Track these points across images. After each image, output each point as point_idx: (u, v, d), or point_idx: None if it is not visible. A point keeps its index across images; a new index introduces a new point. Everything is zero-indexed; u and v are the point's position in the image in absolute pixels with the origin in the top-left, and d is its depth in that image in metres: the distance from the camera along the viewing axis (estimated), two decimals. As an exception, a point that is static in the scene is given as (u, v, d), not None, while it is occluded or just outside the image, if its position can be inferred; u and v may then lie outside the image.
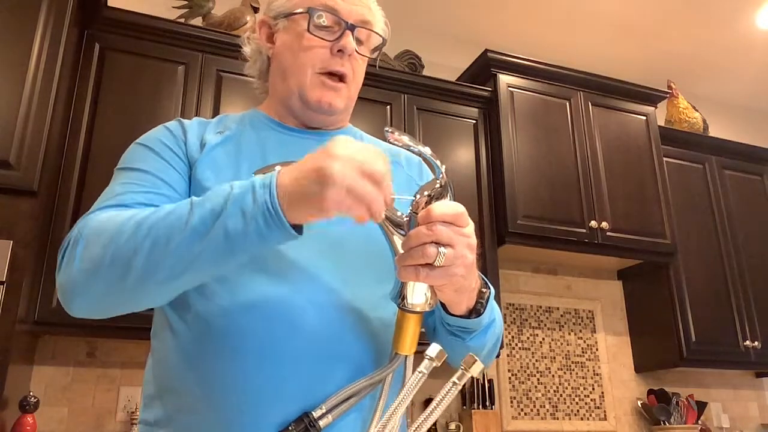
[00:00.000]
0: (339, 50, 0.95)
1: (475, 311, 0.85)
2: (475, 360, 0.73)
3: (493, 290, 0.87)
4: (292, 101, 0.98)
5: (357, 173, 0.67)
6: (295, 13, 0.97)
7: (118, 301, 0.79)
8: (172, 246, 0.71)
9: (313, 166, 0.68)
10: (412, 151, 0.74)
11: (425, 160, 0.75)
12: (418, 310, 0.76)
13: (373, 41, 1.01)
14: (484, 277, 0.87)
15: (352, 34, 0.95)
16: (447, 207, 0.71)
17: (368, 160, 0.68)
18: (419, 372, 0.74)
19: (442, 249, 0.70)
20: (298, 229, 0.71)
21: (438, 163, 0.73)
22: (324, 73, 0.95)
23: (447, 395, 0.73)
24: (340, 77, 0.96)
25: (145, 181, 0.88)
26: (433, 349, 0.74)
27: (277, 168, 0.72)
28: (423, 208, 0.72)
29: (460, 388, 0.74)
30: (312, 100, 0.95)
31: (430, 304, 0.76)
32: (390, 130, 0.72)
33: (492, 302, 0.88)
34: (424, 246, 0.70)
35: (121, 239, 0.74)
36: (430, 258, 0.70)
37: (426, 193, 0.73)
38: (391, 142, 0.74)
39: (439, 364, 0.74)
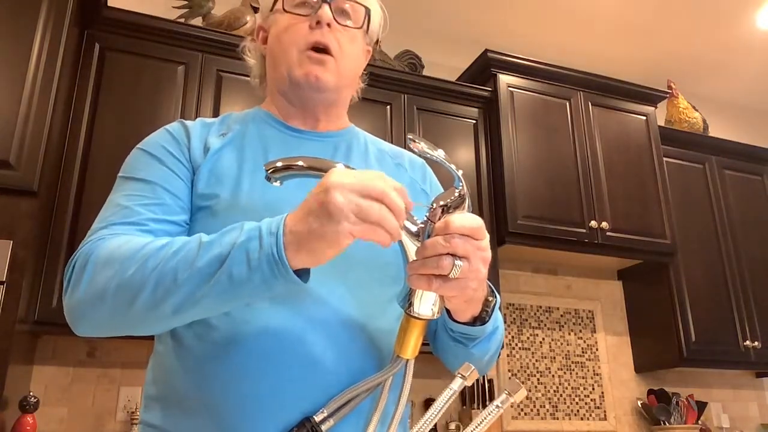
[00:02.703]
0: (317, 22, 0.94)
1: (480, 319, 0.85)
2: (472, 368, 0.74)
3: (499, 299, 0.87)
4: (284, 86, 0.98)
5: (359, 197, 0.67)
6: (275, 2, 0.99)
7: (122, 327, 0.80)
8: (177, 285, 0.71)
9: (315, 203, 0.68)
10: (434, 160, 0.73)
11: (433, 166, 0.74)
12: (425, 318, 0.75)
13: (361, 14, 1.00)
14: (491, 285, 0.86)
15: (330, 7, 0.95)
16: (466, 220, 0.71)
17: (366, 182, 0.68)
18: (450, 389, 0.74)
19: (457, 262, 0.69)
20: (304, 276, 0.71)
21: (457, 171, 0.73)
22: (308, 50, 0.95)
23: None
24: (325, 50, 0.95)
25: (149, 192, 0.87)
26: (466, 368, 0.74)
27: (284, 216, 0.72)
28: (440, 218, 0.71)
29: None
30: (299, 76, 0.95)
31: (437, 312, 0.76)
32: (412, 137, 0.72)
33: (496, 311, 0.87)
34: (440, 257, 0.69)
35: (128, 271, 0.74)
36: (445, 270, 0.69)
37: (443, 202, 0.72)
38: (412, 150, 0.73)
39: (470, 384, 0.74)
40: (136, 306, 0.74)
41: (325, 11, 0.94)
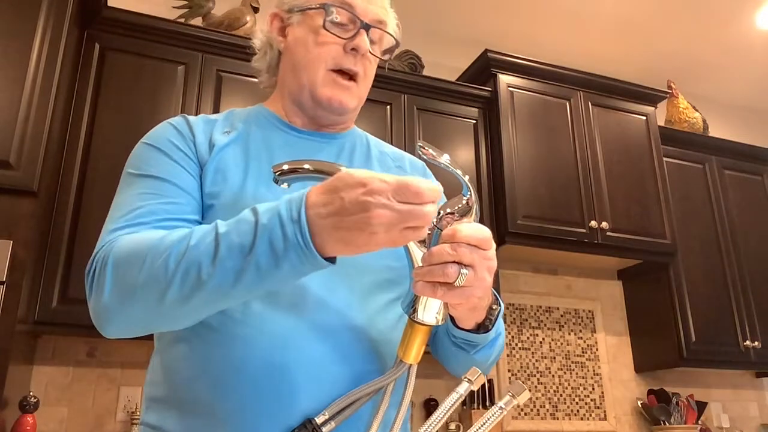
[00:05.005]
0: (353, 48, 0.94)
1: (483, 326, 0.84)
2: (479, 373, 0.75)
3: (503, 306, 0.87)
4: (302, 97, 0.97)
5: (398, 203, 0.65)
6: (311, 8, 0.96)
7: (154, 324, 0.79)
8: (202, 281, 0.70)
9: (352, 204, 0.65)
10: (442, 168, 0.73)
11: (434, 169, 0.73)
12: (429, 324, 0.75)
13: (386, 42, 1.00)
14: (496, 293, 0.86)
15: (367, 34, 0.95)
16: (474, 230, 0.70)
17: (404, 185, 0.65)
18: (456, 392, 0.74)
19: (463, 270, 0.69)
20: (331, 258, 0.70)
21: (465, 178, 0.73)
22: (336, 71, 0.95)
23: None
24: (352, 76, 0.95)
25: (162, 190, 0.85)
26: (473, 372, 0.75)
27: (303, 191, 0.70)
28: (448, 225, 0.71)
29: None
30: (323, 98, 0.95)
31: (441, 319, 0.76)
32: (422, 145, 0.72)
33: (499, 318, 0.87)
34: (446, 265, 0.69)
35: (152, 268, 0.73)
36: (451, 278, 0.69)
37: (450, 210, 0.73)
38: (421, 157, 0.73)
39: (477, 389, 0.75)
40: (166, 303, 0.73)
41: (364, 41, 0.94)
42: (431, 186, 0.67)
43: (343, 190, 0.67)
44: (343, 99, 0.95)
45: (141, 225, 0.82)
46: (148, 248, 0.75)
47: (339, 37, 0.94)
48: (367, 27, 0.95)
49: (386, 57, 1.01)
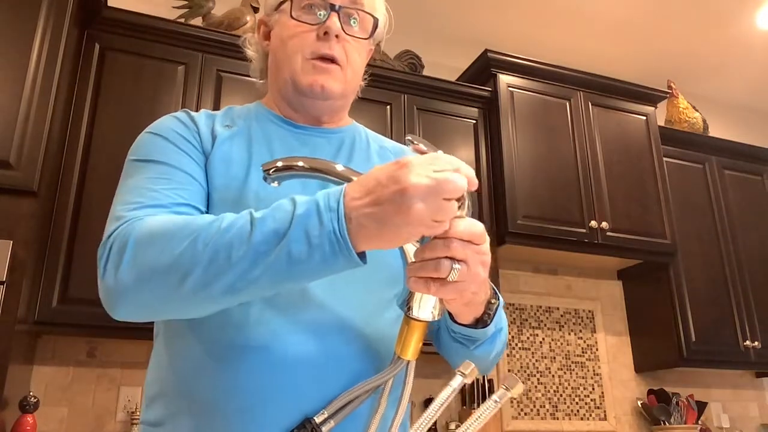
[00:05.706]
0: (325, 33, 0.93)
1: (482, 322, 0.84)
2: (471, 366, 0.75)
3: (502, 301, 0.86)
4: (288, 92, 0.97)
5: (439, 199, 0.65)
6: (282, 3, 0.97)
7: (166, 310, 0.77)
8: (231, 263, 0.69)
9: (391, 194, 0.65)
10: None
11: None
12: (424, 320, 0.75)
13: (369, 23, 0.99)
14: (495, 288, 0.85)
15: (339, 16, 0.94)
16: (467, 225, 0.70)
17: (436, 155, 0.67)
18: (450, 386, 0.74)
19: (456, 265, 0.68)
20: (362, 256, 0.69)
21: None
22: (315, 59, 0.94)
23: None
24: (332, 60, 0.94)
25: (173, 176, 0.85)
26: (465, 366, 0.75)
27: (343, 186, 0.70)
28: None
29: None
30: (304, 86, 0.93)
31: (437, 314, 0.75)
32: (411, 138, 0.72)
33: (500, 312, 0.87)
34: (439, 260, 0.69)
35: (177, 248, 0.71)
36: (443, 273, 0.69)
37: None
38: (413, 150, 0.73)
39: (470, 382, 0.75)
40: (186, 286, 0.70)
41: (334, 23, 0.93)
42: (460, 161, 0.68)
43: (378, 171, 0.68)
44: (324, 82, 0.93)
45: (159, 207, 0.80)
46: (175, 230, 0.73)
47: (309, 24, 0.93)
48: (337, 9, 0.93)
49: (367, 36, 0.98)
